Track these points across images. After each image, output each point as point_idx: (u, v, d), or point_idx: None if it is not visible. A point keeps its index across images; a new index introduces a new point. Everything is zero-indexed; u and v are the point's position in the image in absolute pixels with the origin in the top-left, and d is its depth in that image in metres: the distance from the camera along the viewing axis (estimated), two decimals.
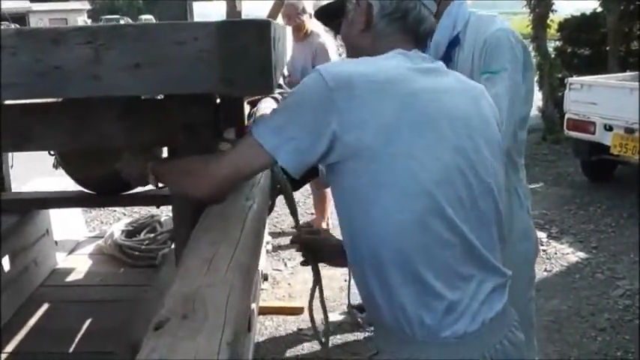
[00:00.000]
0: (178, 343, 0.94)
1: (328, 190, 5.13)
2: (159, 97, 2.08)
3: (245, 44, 1.52)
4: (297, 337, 3.80)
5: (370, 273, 1.47)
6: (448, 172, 1.44)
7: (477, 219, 1.49)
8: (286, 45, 2.89)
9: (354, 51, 1.66)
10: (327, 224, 5.47)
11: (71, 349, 2.93)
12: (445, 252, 1.43)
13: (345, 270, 2.65)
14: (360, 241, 1.48)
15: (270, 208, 1.89)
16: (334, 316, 3.92)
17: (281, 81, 4.00)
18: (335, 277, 4.19)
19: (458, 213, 1.44)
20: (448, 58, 2.26)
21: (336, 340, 3.74)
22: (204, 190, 1.58)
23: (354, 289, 1.63)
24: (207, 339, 0.96)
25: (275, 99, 3.14)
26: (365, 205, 1.44)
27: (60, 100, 1.92)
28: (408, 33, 1.59)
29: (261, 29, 1.52)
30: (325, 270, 4.56)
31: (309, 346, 3.65)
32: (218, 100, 2.05)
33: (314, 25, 5.18)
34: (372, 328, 2.89)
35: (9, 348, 2.93)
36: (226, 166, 1.53)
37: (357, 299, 4.10)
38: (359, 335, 3.80)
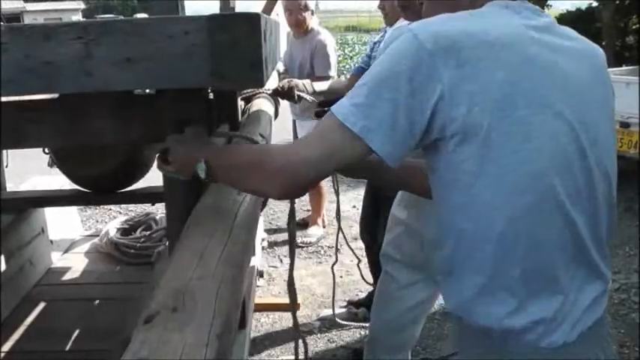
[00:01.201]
0: (167, 336, 0.94)
1: (324, 186, 5.14)
2: (151, 93, 2.08)
3: (235, 38, 1.51)
4: (293, 333, 3.80)
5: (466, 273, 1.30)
6: (566, 156, 1.23)
7: (592, 212, 1.31)
8: (279, 39, 2.89)
9: (432, 6, 1.43)
10: (323, 221, 5.48)
11: (67, 348, 2.93)
12: (556, 255, 1.26)
13: (338, 267, 2.65)
14: (458, 238, 1.29)
15: (264, 204, 1.88)
16: (329, 312, 3.91)
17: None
18: (330, 273, 4.19)
19: (575, 205, 1.25)
20: None
21: (331, 335, 3.74)
22: (280, 187, 1.30)
23: (354, 286, 1.60)
24: (195, 331, 0.95)
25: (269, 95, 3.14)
26: (465, 197, 1.24)
27: (52, 96, 1.91)
28: None
29: (251, 23, 1.52)
30: (320, 266, 4.58)
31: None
32: (211, 96, 2.05)
33: (314, 22, 5.18)
34: (368, 324, 2.91)
35: (5, 347, 2.93)
36: (307, 154, 1.25)
37: (356, 295, 4.11)
38: (355, 331, 3.80)
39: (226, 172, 1.44)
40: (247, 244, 1.45)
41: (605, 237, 1.37)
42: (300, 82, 3.42)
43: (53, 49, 1.56)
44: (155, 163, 1.67)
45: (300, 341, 1.81)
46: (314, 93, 3.43)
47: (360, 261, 2.79)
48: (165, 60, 1.54)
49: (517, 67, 1.20)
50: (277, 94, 3.27)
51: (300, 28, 5.08)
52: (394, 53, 1.21)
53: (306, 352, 1.82)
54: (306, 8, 4.98)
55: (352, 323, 3.80)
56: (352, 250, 2.62)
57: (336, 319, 3.65)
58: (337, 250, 2.49)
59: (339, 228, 2.57)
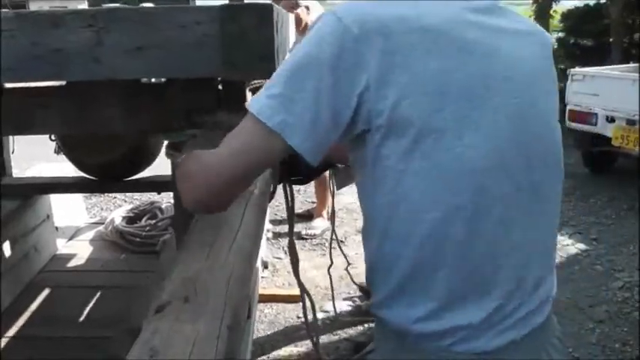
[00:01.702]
0: (179, 326, 0.94)
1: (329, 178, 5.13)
2: (159, 82, 2.08)
3: (247, 28, 1.51)
4: (296, 324, 3.81)
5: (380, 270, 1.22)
6: (504, 154, 1.12)
7: (532, 214, 1.19)
8: (289, 31, 2.87)
9: None
10: (328, 212, 5.47)
11: (72, 334, 2.93)
12: (486, 260, 1.15)
13: (341, 260, 2.65)
14: (381, 237, 1.18)
15: (272, 195, 1.87)
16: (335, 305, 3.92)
17: None
18: (335, 265, 4.19)
19: (511, 208, 1.14)
20: None
21: (334, 327, 3.74)
22: (196, 196, 1.16)
23: (358, 279, 1.57)
24: (207, 323, 0.95)
25: None
26: (390, 196, 1.12)
27: (60, 83, 1.91)
28: None
29: (264, 13, 1.52)
30: (324, 259, 4.58)
31: (308, 334, 3.65)
32: (220, 86, 2.04)
33: (314, 17, 5.16)
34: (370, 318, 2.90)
35: (10, 333, 2.95)
36: (222, 161, 1.12)
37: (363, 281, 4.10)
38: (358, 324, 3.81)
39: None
40: (256, 235, 1.45)
41: (549, 241, 1.28)
42: None
43: (62, 36, 1.56)
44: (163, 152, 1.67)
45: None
46: None
47: (349, 264, 2.80)
48: (177, 49, 1.54)
49: (453, 55, 1.08)
50: None
51: (298, 26, 5.08)
52: (315, 38, 1.09)
53: (313, 307, 1.75)
54: (297, 5, 4.97)
55: (354, 317, 3.81)
56: (343, 253, 2.62)
57: (339, 317, 3.67)
58: (331, 251, 2.48)
59: (333, 230, 2.56)
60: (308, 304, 1.73)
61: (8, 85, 2.13)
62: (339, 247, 2.65)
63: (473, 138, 1.08)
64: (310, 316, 1.75)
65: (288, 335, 3.67)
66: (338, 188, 2.05)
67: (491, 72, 1.12)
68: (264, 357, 3.45)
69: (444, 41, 1.08)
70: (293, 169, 1.69)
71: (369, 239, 1.23)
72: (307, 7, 5.07)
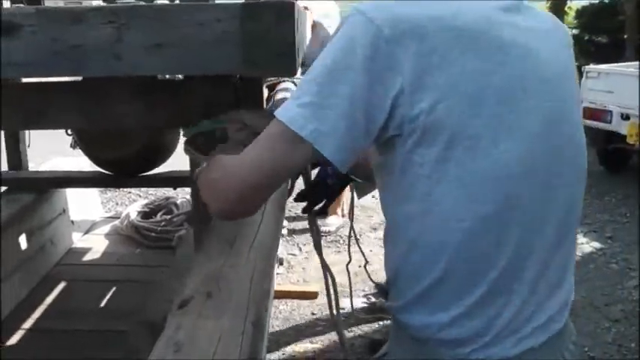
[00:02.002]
0: (203, 321, 0.94)
1: None
2: (176, 78, 2.08)
3: (268, 25, 1.51)
4: (311, 321, 3.81)
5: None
6: (536, 159, 1.09)
7: (559, 221, 1.16)
8: (307, 28, 2.88)
9: None
10: (342, 210, 5.47)
11: (87, 328, 2.95)
12: (510, 269, 1.12)
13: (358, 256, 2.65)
14: (409, 247, 1.15)
15: (290, 191, 1.88)
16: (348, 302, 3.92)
17: None
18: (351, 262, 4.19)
19: (538, 215, 1.12)
20: None
21: (350, 324, 3.74)
22: (221, 203, 1.13)
23: (374, 276, 1.57)
24: (232, 319, 0.96)
25: (295, 83, 3.13)
26: (421, 205, 1.09)
27: (76, 78, 1.92)
28: None
29: (284, 10, 1.51)
30: (339, 255, 4.58)
31: (323, 330, 3.66)
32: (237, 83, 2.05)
33: (317, 15, 5.16)
34: (386, 315, 2.90)
35: (26, 325, 2.96)
36: (247, 168, 1.08)
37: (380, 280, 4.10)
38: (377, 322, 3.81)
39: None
40: (276, 232, 1.45)
41: (571, 244, 1.26)
42: None
43: (83, 32, 1.56)
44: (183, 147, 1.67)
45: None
46: None
47: (367, 262, 2.80)
48: (196, 46, 1.54)
49: (491, 56, 1.05)
50: None
51: None
52: (345, 40, 1.04)
53: (335, 290, 1.77)
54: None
55: (370, 314, 3.81)
56: (361, 250, 2.62)
57: (354, 313, 3.67)
58: (349, 248, 2.48)
59: (352, 227, 2.56)
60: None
61: (24, 80, 2.14)
62: (358, 245, 2.66)
63: (507, 143, 1.05)
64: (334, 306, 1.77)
65: (303, 332, 3.68)
66: (359, 197, 2.04)
67: (527, 74, 1.09)
68: (279, 353, 3.45)
69: (482, 41, 1.05)
70: (314, 194, 1.70)
71: (395, 245, 1.20)
72: (306, 8, 5.07)
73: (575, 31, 11.23)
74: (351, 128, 1.02)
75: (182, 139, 1.92)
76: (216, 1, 1.88)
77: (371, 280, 3.67)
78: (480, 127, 1.03)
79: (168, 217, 4.11)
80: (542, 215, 1.13)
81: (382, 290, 4.00)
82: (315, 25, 5.10)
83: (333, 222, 5.23)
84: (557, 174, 1.14)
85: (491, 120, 1.04)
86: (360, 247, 2.53)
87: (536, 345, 1.16)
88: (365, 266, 2.78)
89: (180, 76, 2.03)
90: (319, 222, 5.23)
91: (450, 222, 1.08)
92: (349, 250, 2.43)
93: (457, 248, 1.09)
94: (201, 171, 1.23)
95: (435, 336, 1.16)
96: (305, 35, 2.29)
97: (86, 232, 4.12)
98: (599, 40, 10.87)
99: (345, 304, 3.79)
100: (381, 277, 4.10)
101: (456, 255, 1.10)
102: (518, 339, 1.14)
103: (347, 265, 2.48)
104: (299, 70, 4.17)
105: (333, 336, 3.61)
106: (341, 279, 4.28)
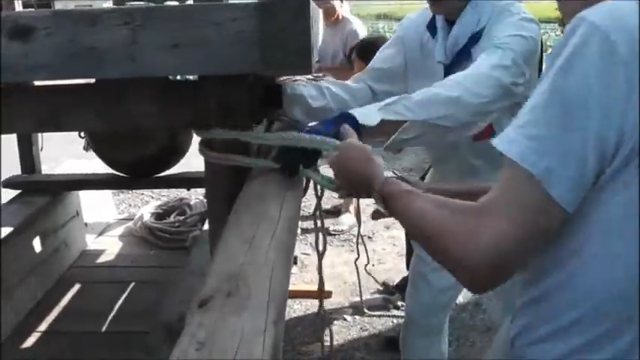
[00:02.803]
0: (225, 320, 0.94)
1: None
2: (192, 78, 2.08)
3: (284, 24, 1.51)
4: (325, 321, 3.81)
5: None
6: None
7: None
8: (320, 26, 2.88)
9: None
10: (355, 208, 5.45)
11: (103, 329, 2.96)
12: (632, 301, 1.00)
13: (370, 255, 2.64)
14: (560, 285, 1.04)
15: (305, 189, 1.88)
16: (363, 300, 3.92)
17: None
18: (361, 261, 4.18)
19: None
20: (467, 54, 2.03)
21: (364, 323, 3.74)
22: (475, 261, 0.96)
23: (386, 274, 1.58)
24: (253, 317, 0.96)
25: (309, 80, 3.13)
26: (601, 247, 0.98)
27: (91, 80, 1.92)
28: None
29: (300, 8, 1.52)
30: (352, 254, 4.57)
31: (337, 330, 3.66)
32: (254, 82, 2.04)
33: (345, 11, 5.17)
34: (400, 313, 2.87)
35: (41, 327, 2.97)
36: (501, 218, 0.94)
37: (393, 280, 4.10)
38: (387, 320, 3.80)
39: (401, 220, 1.22)
40: (294, 230, 1.45)
41: None
42: None
43: (99, 34, 1.57)
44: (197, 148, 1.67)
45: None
46: None
47: (369, 263, 2.81)
48: (214, 46, 1.54)
49: None
50: None
51: (330, 16, 5.07)
52: (576, 61, 0.90)
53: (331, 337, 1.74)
54: None
55: (383, 313, 3.81)
56: (366, 250, 2.61)
57: (365, 309, 3.67)
58: (358, 246, 2.48)
59: (359, 224, 2.55)
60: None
61: (38, 83, 2.14)
62: (364, 244, 2.66)
63: None
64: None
65: (317, 331, 3.68)
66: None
67: None
68: (293, 353, 3.45)
69: None
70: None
71: (538, 283, 1.09)
72: (341, 0, 5.10)
73: None
74: (583, 167, 0.92)
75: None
76: (231, 1, 1.87)
77: (376, 281, 3.68)
78: None
79: (182, 217, 4.11)
80: None
81: (388, 289, 4.00)
82: (341, 19, 5.11)
83: (345, 221, 5.23)
84: None
85: None
86: (365, 247, 2.53)
87: None
88: (365, 267, 2.78)
89: (192, 77, 2.03)
90: (332, 221, 5.24)
91: (615, 258, 0.98)
92: (357, 248, 2.43)
93: (623, 285, 0.99)
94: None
95: None
96: (318, 33, 2.29)
97: (100, 234, 4.13)
98: None
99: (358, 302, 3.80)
100: (393, 275, 4.10)
101: (605, 296, 1.00)
102: None
103: (355, 261, 2.48)
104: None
105: (347, 336, 3.61)
106: (355, 278, 4.28)
